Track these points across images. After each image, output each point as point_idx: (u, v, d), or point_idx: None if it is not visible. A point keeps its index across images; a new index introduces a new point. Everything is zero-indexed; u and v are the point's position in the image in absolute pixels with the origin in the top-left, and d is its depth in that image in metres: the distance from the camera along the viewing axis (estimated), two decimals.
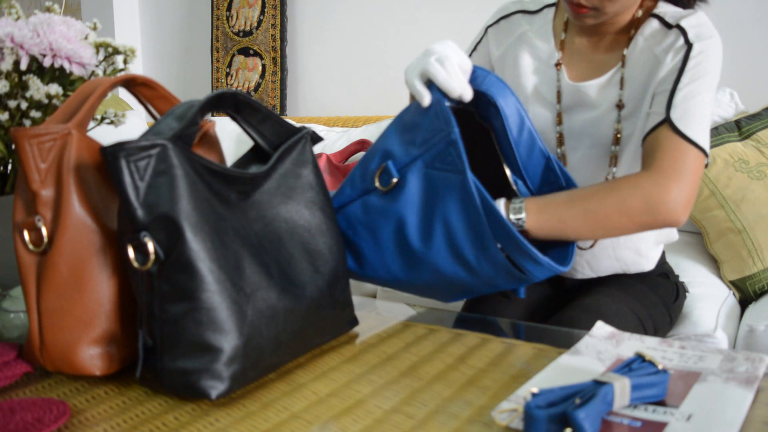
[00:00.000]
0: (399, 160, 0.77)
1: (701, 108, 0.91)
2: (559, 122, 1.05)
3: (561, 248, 0.83)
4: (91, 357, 0.61)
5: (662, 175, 0.87)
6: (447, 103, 0.79)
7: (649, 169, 0.88)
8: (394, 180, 0.76)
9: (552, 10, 1.09)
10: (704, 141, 0.90)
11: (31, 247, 0.61)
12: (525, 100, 1.07)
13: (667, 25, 0.97)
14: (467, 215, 0.72)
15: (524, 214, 0.82)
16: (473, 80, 0.83)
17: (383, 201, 0.77)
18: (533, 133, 0.86)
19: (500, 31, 1.11)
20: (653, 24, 0.99)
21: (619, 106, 1.00)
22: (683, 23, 0.96)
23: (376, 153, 0.80)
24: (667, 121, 0.90)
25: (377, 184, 0.77)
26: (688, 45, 0.94)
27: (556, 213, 0.83)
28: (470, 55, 1.15)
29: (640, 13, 1.00)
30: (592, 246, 1.07)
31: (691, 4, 1.00)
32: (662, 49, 0.96)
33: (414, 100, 0.81)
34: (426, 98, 0.78)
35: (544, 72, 1.06)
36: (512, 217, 0.81)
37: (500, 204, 0.82)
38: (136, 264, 0.57)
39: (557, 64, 1.05)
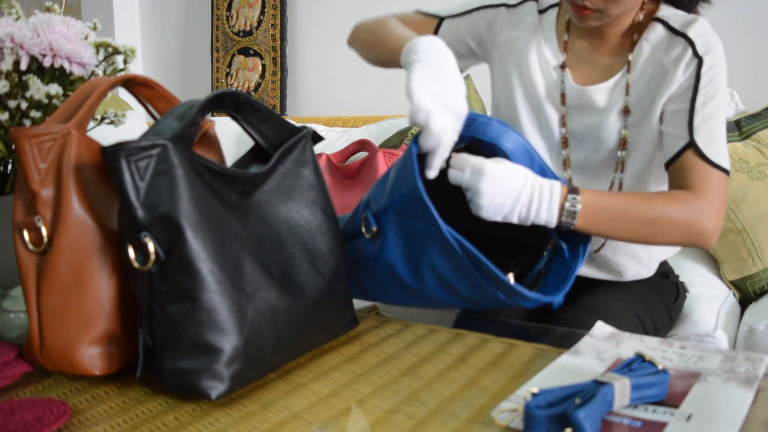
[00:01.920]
0: (375, 209, 0.77)
1: (720, 126, 0.94)
2: (563, 124, 1.04)
3: (563, 271, 0.83)
4: (91, 357, 0.61)
5: (704, 202, 0.90)
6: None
7: (693, 192, 0.91)
8: (374, 229, 0.76)
9: (555, 10, 1.07)
10: (727, 162, 0.93)
11: (30, 247, 0.61)
12: (532, 98, 1.06)
13: (673, 31, 0.97)
14: (453, 262, 0.71)
15: (579, 207, 0.83)
16: (476, 128, 0.83)
17: (372, 247, 0.77)
18: (544, 167, 0.87)
19: (512, 17, 1.09)
20: (658, 29, 0.99)
21: (625, 112, 1.00)
22: (690, 33, 0.96)
23: (366, 199, 0.80)
24: (692, 146, 0.93)
25: (363, 230, 0.77)
26: (699, 59, 0.94)
27: (608, 222, 0.86)
28: (470, 12, 1.11)
29: (641, 16, 0.99)
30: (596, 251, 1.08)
31: (694, 8, 1.00)
32: (671, 60, 0.96)
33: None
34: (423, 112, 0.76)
35: (548, 73, 1.05)
36: (567, 207, 0.82)
37: (555, 200, 0.81)
38: (136, 264, 0.57)
39: (562, 66, 1.04)
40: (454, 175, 0.80)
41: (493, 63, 1.11)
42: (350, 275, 0.80)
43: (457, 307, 0.82)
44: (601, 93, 1.01)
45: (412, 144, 0.76)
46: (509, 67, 1.08)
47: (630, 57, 1.00)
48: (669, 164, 0.95)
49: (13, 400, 0.56)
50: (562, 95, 1.04)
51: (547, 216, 0.81)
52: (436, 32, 1.13)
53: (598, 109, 1.02)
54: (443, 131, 0.75)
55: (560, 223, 0.82)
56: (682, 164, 0.93)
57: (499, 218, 0.80)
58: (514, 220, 0.81)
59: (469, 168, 0.79)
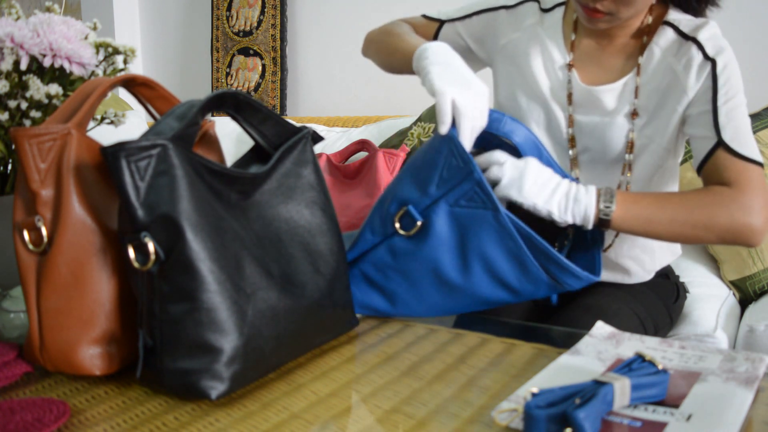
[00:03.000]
0: (419, 203, 0.76)
1: (745, 122, 0.94)
2: (570, 124, 1.04)
3: (588, 257, 0.85)
4: (91, 357, 0.61)
5: (745, 196, 0.89)
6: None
7: (732, 188, 0.90)
8: (419, 223, 0.76)
9: (562, 9, 1.07)
10: (759, 155, 0.93)
11: (31, 247, 0.61)
12: (538, 99, 1.06)
13: (683, 36, 0.97)
14: (505, 246, 0.73)
15: (614, 205, 0.85)
16: (489, 124, 0.85)
17: (410, 244, 0.77)
18: (551, 162, 0.89)
19: (513, 18, 1.09)
20: (668, 33, 0.98)
21: (633, 114, 1.00)
22: (699, 37, 0.96)
23: (393, 198, 0.78)
24: (722, 145, 0.92)
25: (399, 229, 0.77)
26: (712, 61, 0.94)
27: (645, 212, 0.87)
28: (470, 16, 1.13)
29: (650, 19, 0.99)
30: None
31: (702, 11, 1.00)
32: (682, 65, 0.96)
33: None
34: (446, 126, 0.77)
35: (554, 73, 1.05)
36: (602, 205, 0.85)
37: (591, 191, 0.85)
38: (136, 264, 0.57)
39: (569, 66, 1.04)
40: (493, 172, 0.84)
41: (497, 66, 1.12)
42: (379, 289, 0.79)
43: (493, 305, 0.80)
44: (609, 94, 1.01)
45: (452, 132, 0.76)
46: (512, 68, 1.08)
47: (640, 60, 1.00)
48: (701, 167, 0.95)
49: (13, 400, 0.56)
50: (569, 95, 1.03)
51: (587, 200, 0.84)
52: (436, 35, 1.15)
53: (605, 110, 1.01)
54: (473, 108, 0.78)
55: (598, 212, 0.84)
56: (715, 164, 0.93)
57: (539, 201, 0.82)
58: (553, 207, 0.83)
59: (509, 160, 0.84)
